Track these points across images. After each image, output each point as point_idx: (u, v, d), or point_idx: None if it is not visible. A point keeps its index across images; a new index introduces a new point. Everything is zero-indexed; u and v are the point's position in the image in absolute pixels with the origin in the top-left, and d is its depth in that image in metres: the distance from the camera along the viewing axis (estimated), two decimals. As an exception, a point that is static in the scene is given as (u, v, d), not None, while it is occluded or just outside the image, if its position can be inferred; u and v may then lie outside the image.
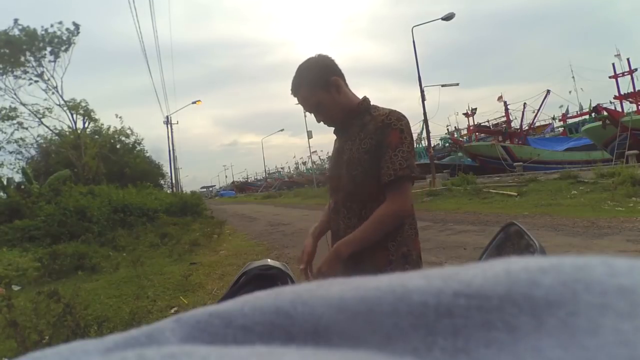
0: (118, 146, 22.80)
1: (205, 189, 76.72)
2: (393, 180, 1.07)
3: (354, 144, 1.16)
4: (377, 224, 1.08)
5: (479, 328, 0.13)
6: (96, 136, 20.45)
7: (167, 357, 0.13)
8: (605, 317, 0.12)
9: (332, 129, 1.28)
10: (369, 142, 1.12)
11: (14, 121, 16.80)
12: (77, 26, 17.33)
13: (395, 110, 1.15)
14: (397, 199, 1.08)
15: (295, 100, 1.20)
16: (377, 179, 1.11)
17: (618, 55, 24.42)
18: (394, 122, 1.11)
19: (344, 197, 1.18)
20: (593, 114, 20.67)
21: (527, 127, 26.08)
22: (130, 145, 24.12)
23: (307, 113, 1.23)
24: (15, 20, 16.23)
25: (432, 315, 0.14)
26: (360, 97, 1.24)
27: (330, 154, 1.39)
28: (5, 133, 16.91)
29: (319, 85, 1.15)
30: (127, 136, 23.95)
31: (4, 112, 16.45)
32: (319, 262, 1.12)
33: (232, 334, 0.16)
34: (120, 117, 24.78)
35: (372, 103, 1.24)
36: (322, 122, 1.22)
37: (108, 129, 22.31)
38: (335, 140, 1.30)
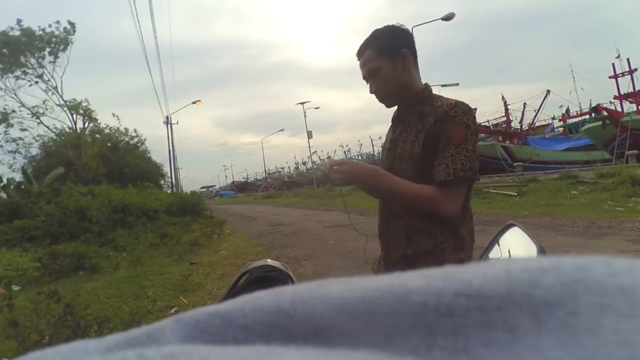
0: (120, 145, 22.79)
1: (205, 189, 76.67)
2: (450, 180, 0.96)
3: (409, 136, 1.06)
4: (422, 198, 0.99)
5: (479, 328, 0.13)
6: (97, 135, 20.46)
7: (168, 357, 0.13)
8: (605, 317, 0.12)
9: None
10: (425, 134, 1.02)
11: (10, 121, 16.79)
12: (72, 25, 17.35)
13: (462, 102, 1.02)
14: (448, 199, 0.98)
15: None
16: (430, 176, 1.00)
17: (618, 57, 24.37)
18: (460, 115, 0.98)
19: None
20: (593, 114, 20.67)
21: (527, 127, 26.08)
22: (133, 146, 24.12)
23: (363, 81, 1.14)
24: (19, 21, 16.25)
25: (432, 315, 0.14)
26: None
27: (383, 145, 1.28)
28: (5, 133, 16.92)
29: (387, 51, 1.06)
30: (131, 137, 23.98)
31: (2, 114, 16.45)
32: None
33: (232, 333, 0.16)
34: (117, 117, 24.74)
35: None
36: (375, 94, 1.12)
37: (108, 127, 22.34)
38: (390, 129, 1.20)
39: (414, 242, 1.05)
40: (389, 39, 1.07)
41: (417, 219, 1.03)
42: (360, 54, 1.11)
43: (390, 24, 1.10)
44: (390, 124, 1.21)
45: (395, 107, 1.17)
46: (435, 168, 0.99)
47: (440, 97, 1.08)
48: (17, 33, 16.16)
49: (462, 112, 0.99)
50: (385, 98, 1.11)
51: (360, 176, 1.01)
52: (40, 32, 16.61)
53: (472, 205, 1.11)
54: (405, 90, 1.09)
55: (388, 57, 1.06)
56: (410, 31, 1.13)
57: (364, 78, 1.12)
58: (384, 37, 1.07)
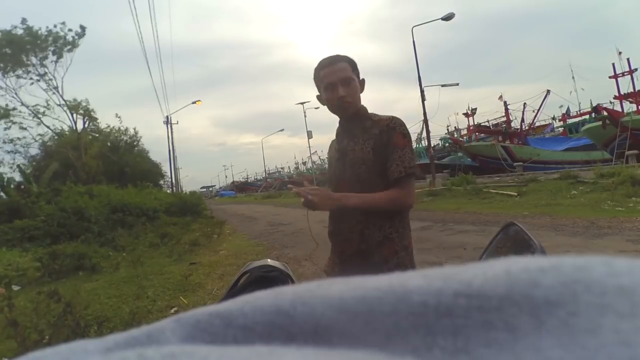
0: (120, 144, 22.79)
1: (205, 189, 76.74)
2: (403, 177, 1.19)
3: (357, 145, 1.26)
4: (386, 200, 1.17)
5: (479, 328, 0.13)
6: (96, 134, 20.46)
7: (168, 357, 0.13)
8: (605, 317, 0.12)
9: (331, 130, 1.35)
10: (373, 142, 1.23)
11: (9, 119, 16.77)
12: (83, 28, 17.38)
13: (396, 116, 1.26)
14: (405, 192, 1.19)
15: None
16: (381, 176, 1.21)
17: (620, 54, 24.35)
18: (398, 126, 1.23)
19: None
20: (593, 114, 20.67)
21: (527, 127, 26.09)
22: (128, 143, 24.09)
23: (331, 85, 1.26)
24: (23, 20, 16.25)
25: (432, 315, 0.14)
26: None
27: (329, 157, 1.46)
28: (5, 129, 16.91)
29: (356, 72, 1.27)
30: (130, 137, 23.99)
31: (2, 111, 16.44)
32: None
33: (232, 333, 0.16)
34: (119, 117, 24.87)
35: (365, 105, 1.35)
36: (341, 99, 1.25)
37: (109, 127, 22.34)
38: (333, 145, 1.39)
39: (367, 236, 1.22)
40: (355, 65, 1.28)
41: (370, 216, 1.21)
42: (333, 62, 1.25)
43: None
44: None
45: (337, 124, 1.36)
46: (389, 169, 1.20)
47: (374, 114, 1.32)
48: (21, 32, 16.17)
49: (399, 124, 1.24)
50: (347, 106, 1.27)
51: (331, 199, 1.17)
52: (45, 33, 16.62)
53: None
54: (357, 107, 1.28)
55: (356, 76, 1.27)
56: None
57: (333, 82, 1.24)
58: (352, 61, 1.27)
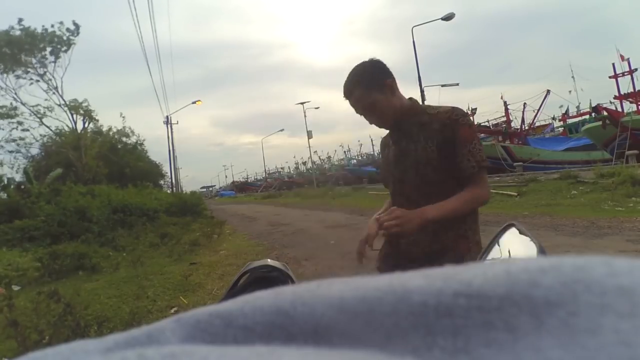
0: (119, 146, 22.80)
1: (205, 189, 76.67)
2: (476, 172, 1.12)
3: (417, 145, 1.17)
4: (466, 202, 1.10)
5: (479, 328, 0.13)
6: (97, 136, 20.47)
7: (168, 357, 0.13)
8: (605, 317, 0.12)
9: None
10: (436, 140, 1.14)
11: (13, 120, 16.79)
12: (77, 26, 17.35)
13: (456, 107, 1.17)
14: (482, 186, 1.14)
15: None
16: (450, 174, 1.14)
17: (622, 57, 24.30)
18: (461, 117, 1.14)
19: (417, 198, 1.16)
20: (593, 114, 20.66)
21: (527, 127, 26.08)
22: (131, 146, 24.12)
23: (358, 115, 1.23)
24: (20, 20, 16.24)
25: (432, 315, 0.14)
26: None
27: (383, 160, 1.37)
28: (3, 130, 16.91)
29: (375, 86, 1.17)
30: (129, 136, 23.99)
31: (4, 109, 16.44)
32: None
33: (232, 334, 0.16)
34: (123, 117, 24.92)
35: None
36: (375, 125, 1.22)
37: (110, 129, 22.35)
38: (386, 144, 1.32)
39: (440, 237, 1.14)
40: (372, 74, 1.17)
41: None
42: (349, 94, 1.18)
43: (364, 60, 1.20)
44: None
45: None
46: (459, 165, 1.12)
47: (430, 106, 1.22)
48: (18, 33, 16.16)
49: (462, 115, 1.15)
50: (384, 123, 1.22)
51: (416, 220, 1.05)
52: (42, 32, 16.61)
53: None
54: (400, 111, 1.20)
55: (377, 91, 1.16)
56: (383, 61, 1.20)
57: (359, 113, 1.20)
58: (367, 74, 1.17)
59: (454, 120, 1.13)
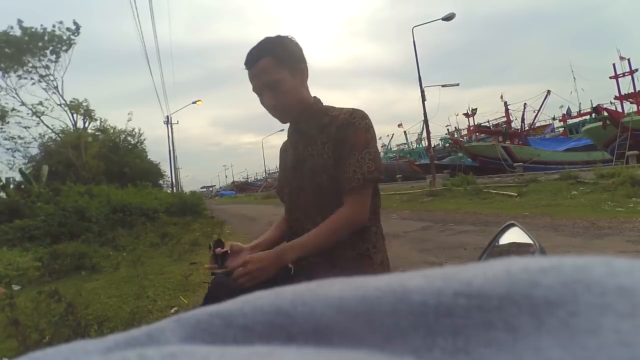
0: (120, 146, 22.82)
1: (205, 189, 76.78)
2: (358, 186, 0.97)
3: (315, 149, 1.04)
4: (334, 231, 0.96)
5: (479, 328, 0.13)
6: (98, 134, 20.47)
7: (168, 357, 0.13)
8: (605, 317, 0.12)
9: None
10: (333, 144, 1.01)
11: (8, 119, 16.77)
12: (77, 26, 17.36)
13: (358, 109, 1.03)
14: (357, 205, 0.98)
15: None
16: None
17: (623, 58, 24.29)
18: (359, 120, 1.00)
19: (311, 210, 1.05)
20: (593, 115, 20.66)
21: (527, 128, 26.08)
22: (131, 146, 24.13)
23: (255, 93, 1.04)
24: (19, 21, 16.25)
25: (432, 315, 0.14)
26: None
27: (280, 165, 1.23)
28: (2, 131, 16.92)
29: (287, 63, 1.00)
30: (133, 136, 24.03)
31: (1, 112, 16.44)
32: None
33: (232, 333, 0.16)
34: (130, 116, 25.06)
35: (336, 105, 1.10)
36: (272, 108, 1.03)
37: (113, 128, 22.37)
38: (285, 150, 1.18)
39: (337, 257, 1.01)
40: (287, 52, 1.01)
41: None
42: (252, 62, 1.00)
43: (282, 35, 1.05)
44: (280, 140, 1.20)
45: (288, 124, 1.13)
46: (343, 176, 0.98)
47: (333, 107, 1.08)
48: (18, 33, 16.18)
49: (360, 117, 1.00)
50: (285, 112, 1.04)
51: (272, 263, 0.94)
52: (42, 31, 16.61)
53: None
54: (302, 105, 1.05)
55: (289, 70, 1.00)
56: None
57: (258, 89, 1.02)
58: (281, 48, 1.00)
59: (350, 124, 0.99)
